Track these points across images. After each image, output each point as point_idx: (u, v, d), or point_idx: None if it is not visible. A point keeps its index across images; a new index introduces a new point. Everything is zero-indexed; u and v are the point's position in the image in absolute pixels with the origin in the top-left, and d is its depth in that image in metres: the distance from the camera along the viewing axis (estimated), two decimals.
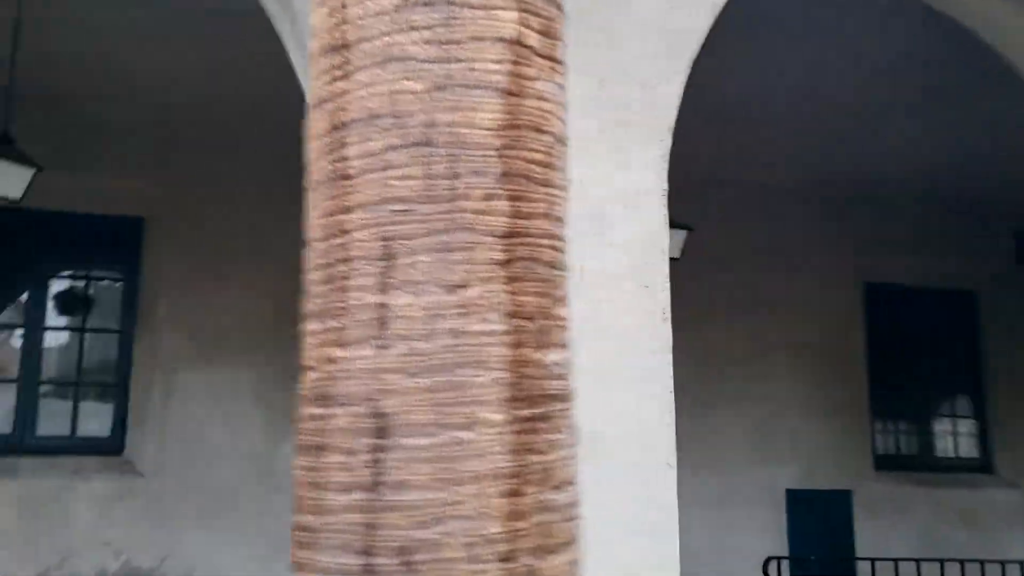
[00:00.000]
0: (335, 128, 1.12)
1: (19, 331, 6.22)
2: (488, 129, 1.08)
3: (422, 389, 1.04)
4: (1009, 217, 8.44)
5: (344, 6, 1.12)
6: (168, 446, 6.26)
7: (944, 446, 8.76)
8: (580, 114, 3.35)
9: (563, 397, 1.14)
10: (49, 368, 6.35)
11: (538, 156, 1.13)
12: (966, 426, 8.83)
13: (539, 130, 1.13)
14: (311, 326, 1.14)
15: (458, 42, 1.09)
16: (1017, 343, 8.47)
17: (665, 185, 3.39)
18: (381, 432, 1.05)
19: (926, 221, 8.27)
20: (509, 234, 1.09)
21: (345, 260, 1.10)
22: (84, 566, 5.95)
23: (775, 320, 7.83)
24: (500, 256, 1.08)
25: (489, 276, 1.07)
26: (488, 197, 1.08)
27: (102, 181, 6.17)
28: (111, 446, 6.28)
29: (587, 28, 3.28)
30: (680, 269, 6.53)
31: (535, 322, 1.10)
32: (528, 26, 1.13)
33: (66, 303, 6.47)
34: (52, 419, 6.28)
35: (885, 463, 8.24)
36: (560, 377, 1.13)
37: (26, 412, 6.12)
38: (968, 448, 8.75)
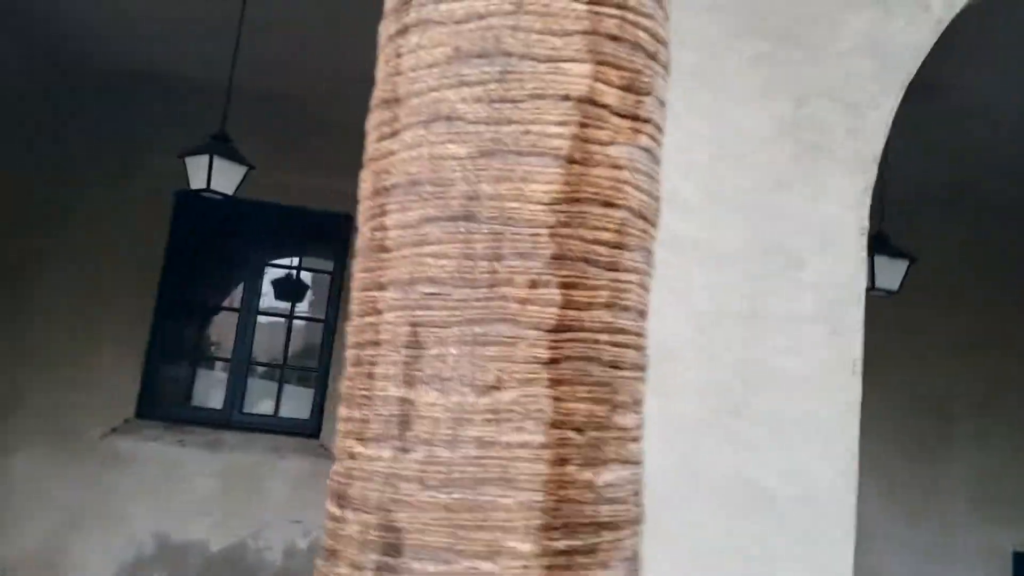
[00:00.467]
0: (377, 192, 0.99)
1: (235, 314, 6.64)
2: (540, 203, 0.91)
3: (440, 506, 0.90)
4: None
5: (399, 55, 0.99)
6: None
7: None
8: (771, 138, 3.06)
9: (617, 525, 0.95)
10: (259, 350, 6.73)
11: (604, 236, 0.94)
12: None
13: (608, 204, 0.95)
14: (342, 411, 1.02)
15: (513, 100, 0.92)
16: None
17: (866, 223, 3.03)
18: (391, 549, 0.91)
19: None
20: (558, 328, 0.92)
21: (374, 343, 0.97)
22: (275, 540, 6.27)
23: (1011, 359, 7.00)
24: (545, 354, 0.91)
25: (529, 377, 0.91)
26: (535, 284, 0.91)
27: (314, 178, 6.44)
28: (309, 428, 6.57)
29: (784, 43, 2.98)
30: (900, 302, 6.00)
31: (585, 434, 0.93)
32: (605, 81, 0.95)
33: (279, 290, 6.85)
34: (258, 399, 6.67)
35: None
36: (616, 501, 0.95)
37: (235, 390, 6.53)
38: None
